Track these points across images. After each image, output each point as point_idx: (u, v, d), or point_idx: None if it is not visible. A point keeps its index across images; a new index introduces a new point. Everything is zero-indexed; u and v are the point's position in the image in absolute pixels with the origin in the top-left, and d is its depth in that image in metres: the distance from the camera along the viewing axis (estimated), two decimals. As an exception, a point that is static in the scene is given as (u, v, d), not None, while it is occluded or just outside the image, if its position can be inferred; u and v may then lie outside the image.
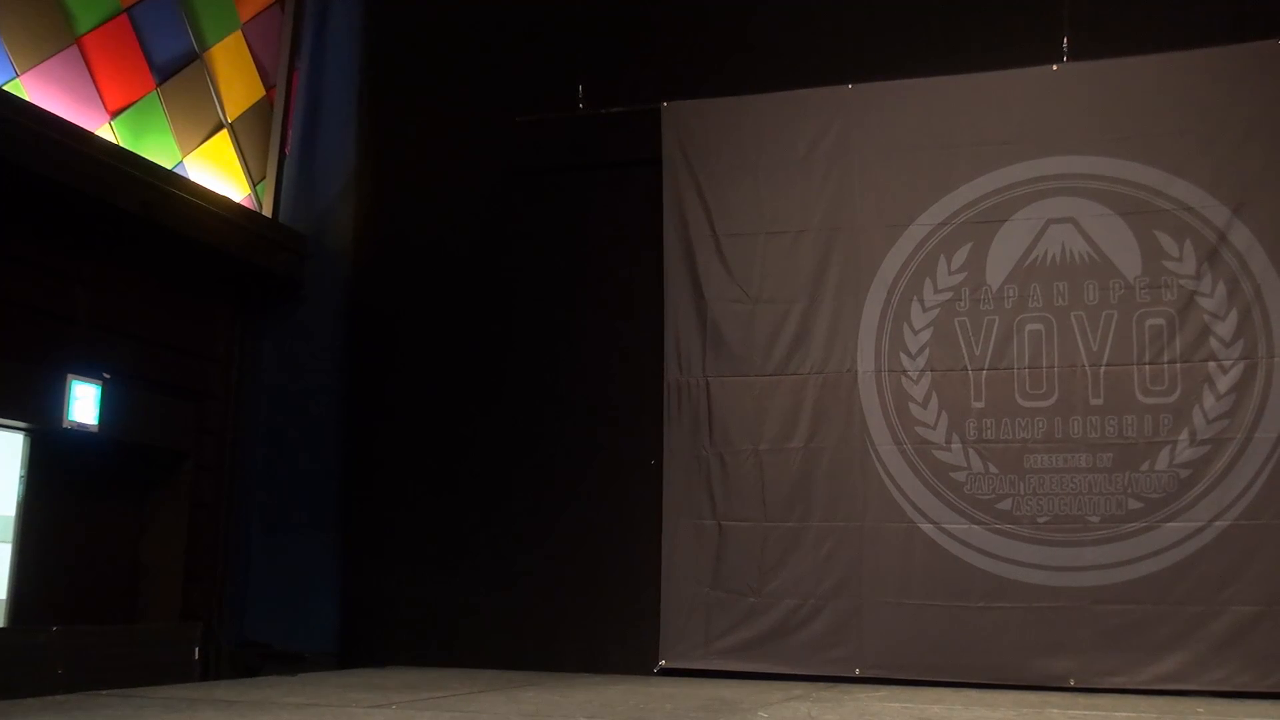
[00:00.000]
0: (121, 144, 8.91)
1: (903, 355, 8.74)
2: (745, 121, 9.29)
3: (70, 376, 8.45)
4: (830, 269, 8.97)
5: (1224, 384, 8.11)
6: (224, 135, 10.14)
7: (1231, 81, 8.34)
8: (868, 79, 9.07)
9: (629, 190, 9.69)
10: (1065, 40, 8.68)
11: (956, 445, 8.53)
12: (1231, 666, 7.79)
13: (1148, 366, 8.27)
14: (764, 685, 8.03)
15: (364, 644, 9.68)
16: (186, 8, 9.73)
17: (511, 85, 10.07)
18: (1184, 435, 8.14)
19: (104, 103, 8.86)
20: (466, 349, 9.95)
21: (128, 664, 8.13)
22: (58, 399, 8.38)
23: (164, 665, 8.62)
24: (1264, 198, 8.19)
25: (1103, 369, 8.35)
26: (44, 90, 8.25)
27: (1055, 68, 8.70)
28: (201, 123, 9.88)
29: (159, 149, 9.34)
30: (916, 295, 8.76)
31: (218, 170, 10.04)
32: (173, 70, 9.54)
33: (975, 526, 8.40)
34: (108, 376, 8.77)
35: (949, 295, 8.70)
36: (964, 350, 8.62)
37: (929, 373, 8.67)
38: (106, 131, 8.83)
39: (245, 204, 10.29)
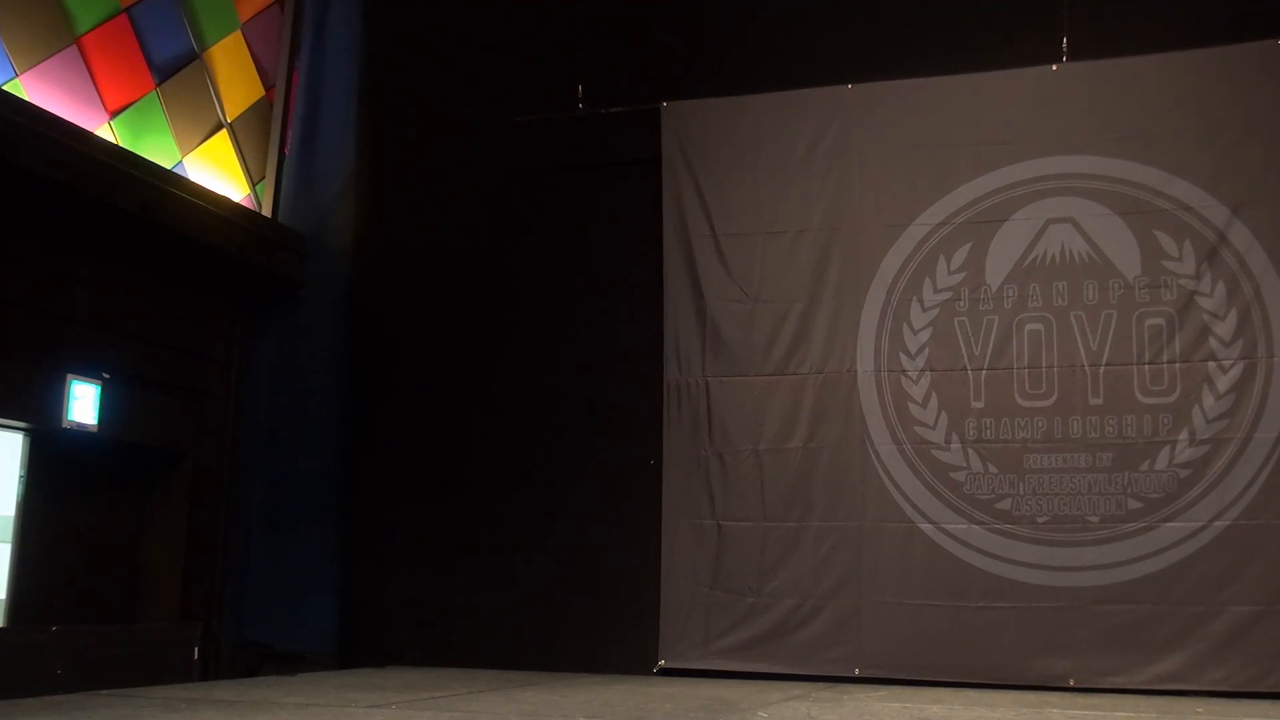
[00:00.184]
0: (121, 144, 8.91)
1: (902, 355, 8.74)
2: (745, 121, 9.29)
3: (70, 376, 8.45)
4: (830, 269, 8.97)
5: (1224, 384, 8.11)
6: (223, 135, 10.14)
7: (1231, 81, 8.34)
8: (867, 79, 9.07)
9: (629, 190, 9.69)
10: (1065, 40, 8.68)
11: (956, 445, 8.53)
12: (1231, 666, 7.79)
13: (1147, 366, 8.27)
14: (764, 685, 8.03)
15: (363, 644, 9.68)
16: (186, 8, 9.73)
17: (511, 85, 10.07)
18: (1183, 435, 8.14)
19: (103, 102, 8.86)
20: (466, 349, 9.95)
21: (127, 664, 8.13)
22: (57, 399, 8.38)
23: (163, 665, 8.61)
24: (1263, 197, 8.19)
25: (1102, 369, 8.35)
26: (43, 90, 8.26)
27: (1055, 68, 8.70)
28: (201, 122, 9.88)
29: (158, 149, 9.34)
30: (916, 295, 8.76)
31: (217, 170, 10.04)
32: (172, 70, 9.54)
33: (975, 526, 8.40)
34: (107, 376, 8.77)
35: (948, 295, 8.70)
36: (963, 350, 8.62)
37: (928, 372, 8.67)
38: (106, 131, 8.83)
39: (245, 204, 10.29)
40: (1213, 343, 8.18)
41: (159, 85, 9.40)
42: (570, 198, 9.88)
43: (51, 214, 8.34)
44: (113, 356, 8.88)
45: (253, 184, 10.47)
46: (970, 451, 8.51)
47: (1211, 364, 8.16)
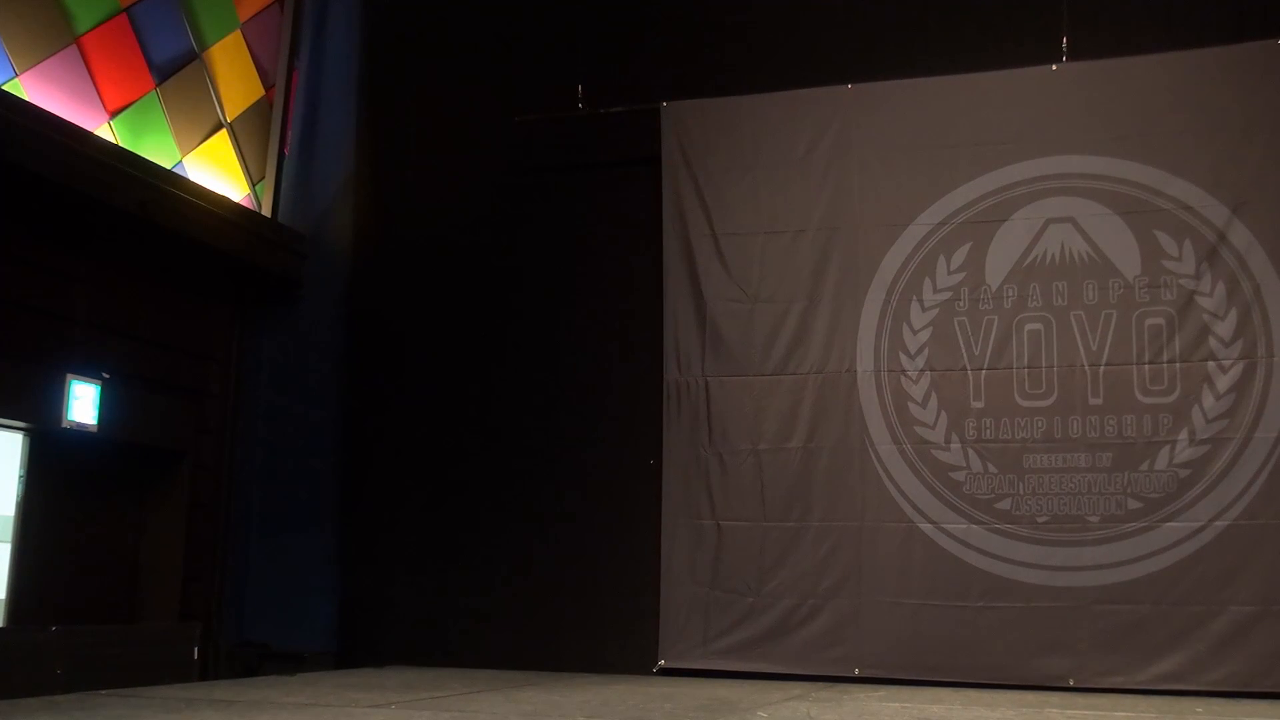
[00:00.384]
0: (120, 144, 8.90)
1: (902, 355, 8.74)
2: (744, 121, 9.29)
3: (69, 376, 8.45)
4: (829, 269, 8.98)
5: (1223, 384, 8.11)
6: (223, 135, 10.14)
7: (1231, 81, 8.35)
8: (867, 79, 9.07)
9: (628, 190, 9.69)
10: (1065, 40, 8.69)
11: (956, 445, 8.53)
12: (1230, 666, 7.78)
13: (1147, 366, 8.27)
14: (763, 685, 8.03)
15: (363, 644, 9.68)
16: (186, 7, 9.72)
17: (511, 85, 10.08)
18: (1183, 435, 8.14)
19: (103, 102, 8.85)
20: (465, 348, 9.95)
21: (126, 664, 8.13)
22: (57, 399, 8.37)
23: (163, 665, 8.62)
24: (1263, 197, 8.19)
25: (1102, 369, 8.35)
26: (43, 90, 8.25)
27: (1055, 67, 8.70)
28: (201, 122, 9.88)
29: (158, 149, 9.33)
30: (916, 295, 8.76)
31: (217, 170, 10.03)
32: (172, 70, 9.53)
33: (974, 526, 8.40)
34: (107, 376, 8.76)
35: (948, 295, 8.70)
36: (963, 350, 8.62)
37: (928, 372, 8.67)
38: (106, 131, 8.82)
39: (244, 204, 10.29)
40: (1213, 342, 8.18)
41: (159, 85, 9.39)
42: (570, 197, 9.88)
43: (51, 214, 8.34)
44: (112, 356, 8.87)
45: (252, 184, 10.46)
46: (970, 451, 8.51)
47: (1211, 364, 8.16)
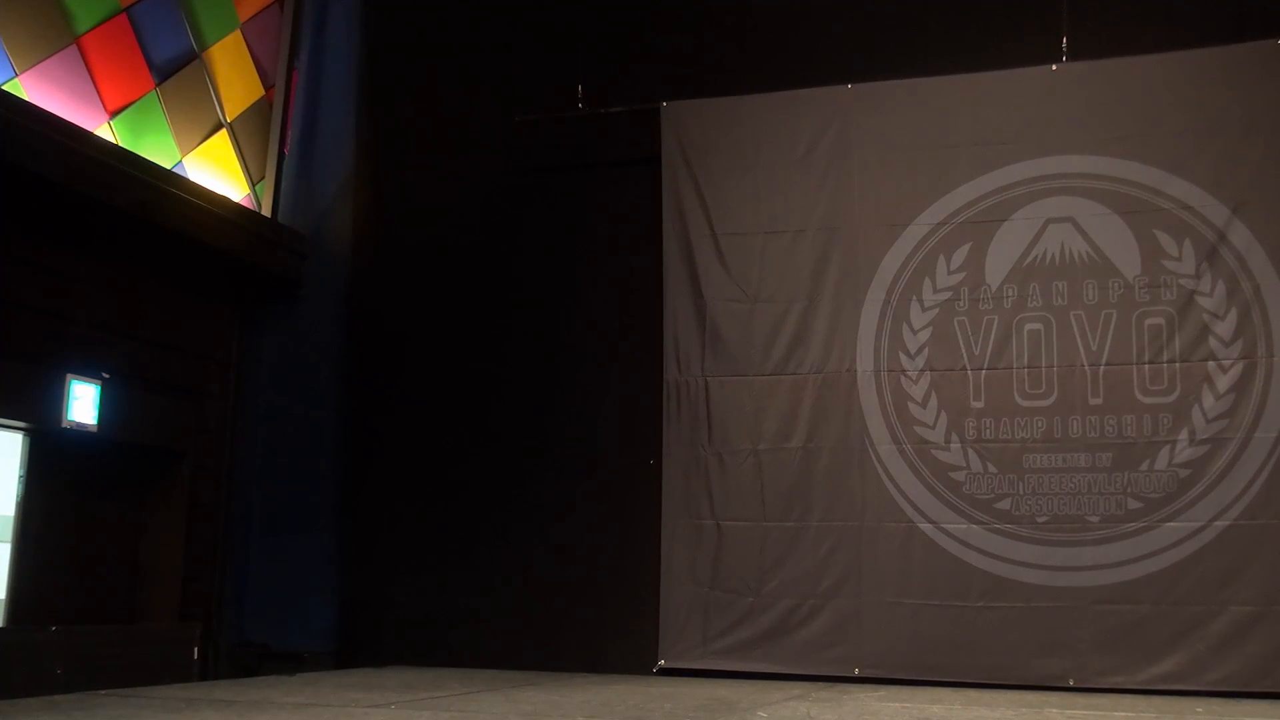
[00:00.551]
0: (120, 144, 8.90)
1: (902, 355, 8.74)
2: (744, 121, 9.29)
3: (69, 376, 8.45)
4: (829, 269, 8.98)
5: (1223, 383, 8.11)
6: (223, 135, 10.14)
7: (1231, 81, 8.34)
8: (867, 79, 9.07)
9: (628, 190, 9.69)
10: (1065, 40, 8.69)
11: (956, 445, 8.53)
12: (1230, 666, 7.78)
13: (1147, 366, 8.27)
14: (763, 685, 8.03)
15: (362, 644, 9.68)
16: (185, 7, 9.73)
17: (511, 85, 10.08)
18: (1183, 435, 8.14)
19: (103, 102, 8.85)
20: (465, 348, 9.95)
21: (126, 664, 8.13)
22: (57, 399, 8.38)
23: (162, 665, 8.62)
24: (1263, 197, 8.19)
25: (1102, 368, 8.35)
26: (43, 90, 8.25)
27: (1055, 67, 8.70)
28: (200, 122, 9.88)
29: (158, 149, 9.33)
30: (916, 295, 8.76)
31: (217, 170, 10.03)
32: (172, 70, 9.53)
33: (974, 526, 8.40)
34: (107, 376, 8.77)
35: (948, 295, 8.70)
36: (963, 350, 8.62)
37: (928, 372, 8.66)
38: (105, 131, 8.83)
39: (244, 204, 10.29)
40: (1212, 342, 8.18)
41: (159, 85, 9.40)
42: (570, 197, 9.88)
43: (51, 214, 8.34)
44: (112, 356, 8.87)
45: (252, 184, 10.46)
46: (970, 451, 8.50)
47: (1211, 364, 8.16)
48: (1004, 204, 8.68)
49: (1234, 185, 8.24)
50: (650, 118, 9.52)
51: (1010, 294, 8.59)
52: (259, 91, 10.57)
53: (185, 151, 9.67)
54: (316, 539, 10.10)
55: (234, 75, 10.26)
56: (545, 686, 7.71)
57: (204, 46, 9.93)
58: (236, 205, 10.09)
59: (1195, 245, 8.27)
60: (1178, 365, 8.21)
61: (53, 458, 8.68)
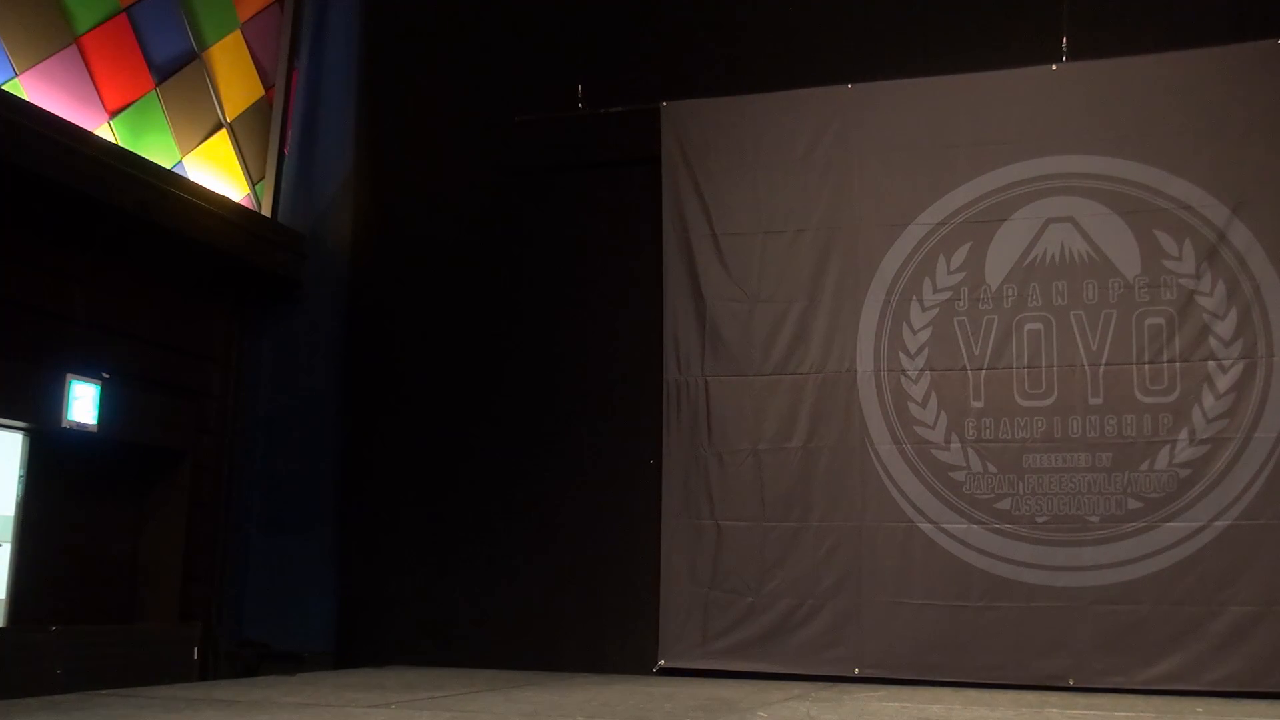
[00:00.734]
0: (120, 143, 8.90)
1: (902, 355, 8.74)
2: (744, 121, 9.28)
3: (69, 376, 8.45)
4: (829, 269, 8.97)
5: (1223, 383, 8.11)
6: (223, 135, 10.14)
7: (1231, 81, 8.34)
8: (867, 79, 9.07)
9: (628, 190, 9.69)
10: (1064, 40, 8.68)
11: (955, 445, 8.53)
12: (1230, 666, 7.78)
13: (1147, 366, 8.27)
14: (763, 685, 8.03)
15: (362, 644, 9.68)
16: (186, 7, 9.72)
17: (511, 85, 10.07)
18: (1183, 435, 8.14)
19: (103, 102, 8.85)
20: (465, 348, 9.95)
21: (127, 664, 8.14)
22: (57, 399, 8.38)
23: (163, 665, 8.62)
24: (1263, 197, 8.19)
25: (1102, 368, 8.35)
26: (43, 90, 8.25)
27: (1054, 67, 8.70)
28: (200, 122, 9.88)
29: (158, 148, 9.33)
30: (915, 295, 8.76)
31: (217, 170, 10.03)
32: (172, 70, 9.53)
33: (974, 526, 8.40)
34: (107, 376, 8.77)
35: (948, 295, 8.70)
36: (963, 350, 8.62)
37: (928, 372, 8.66)
38: (105, 131, 8.82)
39: (244, 204, 10.29)
40: (1213, 342, 8.18)
41: (158, 85, 9.39)
42: (570, 197, 9.88)
43: (51, 214, 8.33)
44: (112, 356, 8.87)
45: (252, 184, 10.46)
46: (970, 451, 8.50)
47: (1211, 363, 8.16)
48: (1004, 204, 8.68)
49: (1234, 185, 8.23)
50: (650, 118, 9.52)
51: (1010, 294, 8.59)
52: (259, 91, 10.57)
53: (185, 151, 9.67)
54: (316, 539, 10.11)
55: (234, 75, 10.26)
56: (545, 686, 7.71)
57: (204, 46, 9.93)
58: (236, 205, 10.09)
59: (1195, 245, 8.27)
60: (1178, 365, 8.21)
61: (53, 458, 8.68)
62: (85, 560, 8.99)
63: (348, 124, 10.83)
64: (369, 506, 10.00)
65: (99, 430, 8.70)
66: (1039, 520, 8.30)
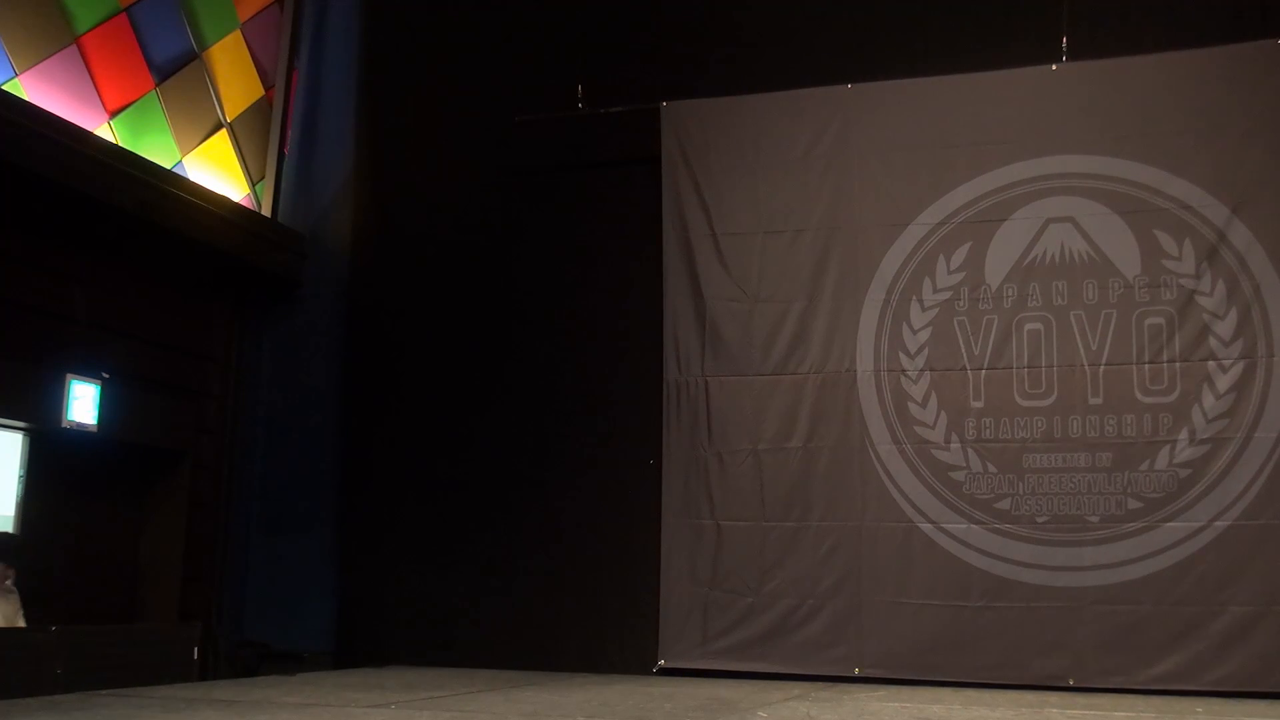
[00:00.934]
0: (120, 143, 8.90)
1: (902, 355, 8.74)
2: (744, 121, 9.28)
3: (69, 376, 8.45)
4: (829, 268, 8.97)
5: (1223, 383, 8.11)
6: (223, 135, 10.14)
7: (1231, 81, 8.34)
8: (867, 79, 9.07)
9: (628, 190, 9.69)
10: (1064, 40, 8.69)
11: (955, 445, 8.53)
12: (1230, 666, 7.78)
13: (1147, 366, 8.27)
14: (763, 685, 8.03)
15: (362, 644, 9.68)
16: (186, 7, 9.73)
17: (511, 85, 10.07)
18: (1183, 435, 8.14)
19: (103, 102, 8.85)
20: (465, 348, 9.95)
21: (126, 664, 8.12)
22: (57, 398, 8.38)
23: (162, 665, 8.60)
24: (1263, 197, 8.19)
25: (1102, 368, 8.35)
26: (43, 90, 8.25)
27: (1054, 67, 8.70)
28: (200, 122, 9.88)
29: (158, 148, 9.33)
30: (915, 295, 8.76)
31: (217, 170, 10.03)
32: (172, 70, 9.54)
33: (974, 526, 8.40)
34: (106, 376, 8.76)
35: (948, 295, 8.70)
36: (963, 350, 8.62)
37: (928, 372, 8.66)
38: (105, 131, 8.82)
39: (244, 203, 10.29)
40: (1213, 342, 8.18)
41: (158, 85, 9.40)
42: (570, 197, 9.88)
43: (51, 214, 8.33)
44: (112, 356, 8.87)
45: (252, 184, 10.47)
46: (970, 451, 8.50)
47: (1211, 363, 8.16)
48: (1004, 204, 8.68)
49: (1234, 185, 8.24)
50: (650, 118, 9.52)
51: (1010, 294, 8.59)
52: (259, 91, 10.58)
53: (185, 151, 9.67)
54: (316, 539, 10.11)
55: (234, 75, 10.26)
56: (545, 686, 7.71)
57: (204, 46, 9.93)
58: (236, 205, 10.09)
59: (1195, 245, 8.27)
60: (1178, 365, 8.21)
61: (53, 458, 8.68)
62: (85, 560, 8.99)
63: (348, 124, 10.83)
64: (369, 506, 10.00)
65: (99, 430, 8.70)
66: (1039, 520, 8.30)
